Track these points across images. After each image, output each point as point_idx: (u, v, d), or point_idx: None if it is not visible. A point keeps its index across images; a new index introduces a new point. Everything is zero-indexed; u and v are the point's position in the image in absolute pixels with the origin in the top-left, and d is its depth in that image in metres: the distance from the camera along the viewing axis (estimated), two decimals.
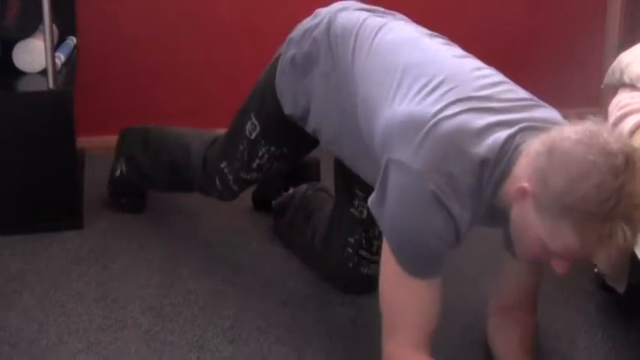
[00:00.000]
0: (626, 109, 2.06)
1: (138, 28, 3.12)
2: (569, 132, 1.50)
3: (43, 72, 2.54)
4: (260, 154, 2.15)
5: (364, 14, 1.99)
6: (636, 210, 1.44)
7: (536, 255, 1.58)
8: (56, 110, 2.45)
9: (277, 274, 2.29)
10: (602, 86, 2.36)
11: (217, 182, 2.26)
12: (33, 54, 2.63)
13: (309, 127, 2.02)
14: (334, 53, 1.93)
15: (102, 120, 2.74)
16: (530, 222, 1.53)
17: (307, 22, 2.05)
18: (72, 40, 2.95)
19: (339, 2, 2.09)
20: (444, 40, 1.93)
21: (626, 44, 3.12)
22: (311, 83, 1.98)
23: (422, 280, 1.63)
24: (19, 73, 2.65)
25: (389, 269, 1.66)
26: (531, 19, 3.41)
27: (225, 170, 2.23)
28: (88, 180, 2.78)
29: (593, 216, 1.43)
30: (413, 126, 1.62)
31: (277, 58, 2.09)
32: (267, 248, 2.42)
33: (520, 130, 1.60)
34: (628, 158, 1.44)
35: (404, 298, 1.66)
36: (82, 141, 2.85)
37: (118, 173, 2.61)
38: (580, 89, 3.40)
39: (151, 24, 3.13)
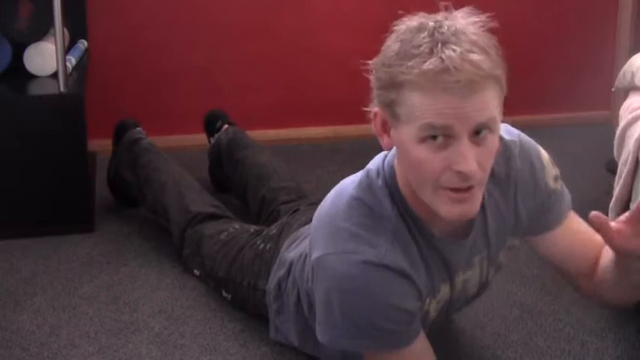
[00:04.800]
0: (638, 112, 2.06)
1: (148, 32, 3.12)
2: None
3: (54, 75, 2.55)
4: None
5: None
6: (449, 30, 1.38)
7: (434, 165, 1.38)
8: (67, 113, 2.46)
9: None
10: (612, 89, 2.35)
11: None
12: (44, 57, 2.65)
13: None
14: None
15: (112, 123, 2.75)
16: (401, 140, 1.41)
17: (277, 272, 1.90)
18: (83, 44, 2.96)
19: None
20: None
21: (637, 47, 3.12)
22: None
23: (408, 347, 1.52)
24: (30, 77, 2.66)
25: None
26: (542, 21, 3.40)
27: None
28: (99, 183, 2.78)
29: (417, 58, 1.35)
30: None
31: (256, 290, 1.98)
32: None
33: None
34: None
35: None
36: (93, 144, 2.86)
37: (111, 174, 2.67)
38: (591, 92, 3.40)
39: (161, 27, 3.14)
